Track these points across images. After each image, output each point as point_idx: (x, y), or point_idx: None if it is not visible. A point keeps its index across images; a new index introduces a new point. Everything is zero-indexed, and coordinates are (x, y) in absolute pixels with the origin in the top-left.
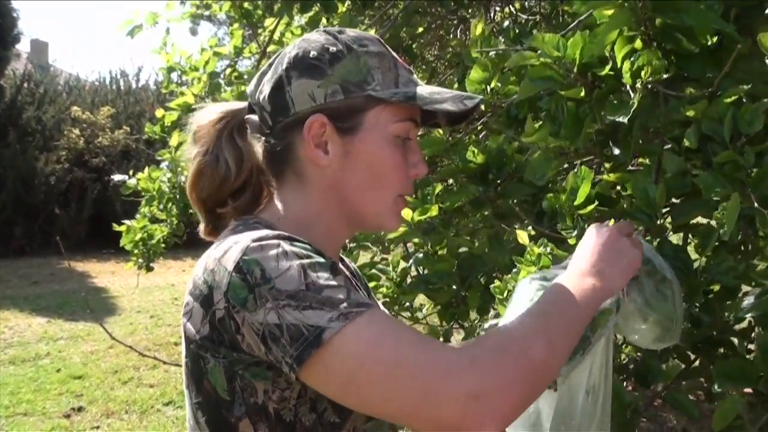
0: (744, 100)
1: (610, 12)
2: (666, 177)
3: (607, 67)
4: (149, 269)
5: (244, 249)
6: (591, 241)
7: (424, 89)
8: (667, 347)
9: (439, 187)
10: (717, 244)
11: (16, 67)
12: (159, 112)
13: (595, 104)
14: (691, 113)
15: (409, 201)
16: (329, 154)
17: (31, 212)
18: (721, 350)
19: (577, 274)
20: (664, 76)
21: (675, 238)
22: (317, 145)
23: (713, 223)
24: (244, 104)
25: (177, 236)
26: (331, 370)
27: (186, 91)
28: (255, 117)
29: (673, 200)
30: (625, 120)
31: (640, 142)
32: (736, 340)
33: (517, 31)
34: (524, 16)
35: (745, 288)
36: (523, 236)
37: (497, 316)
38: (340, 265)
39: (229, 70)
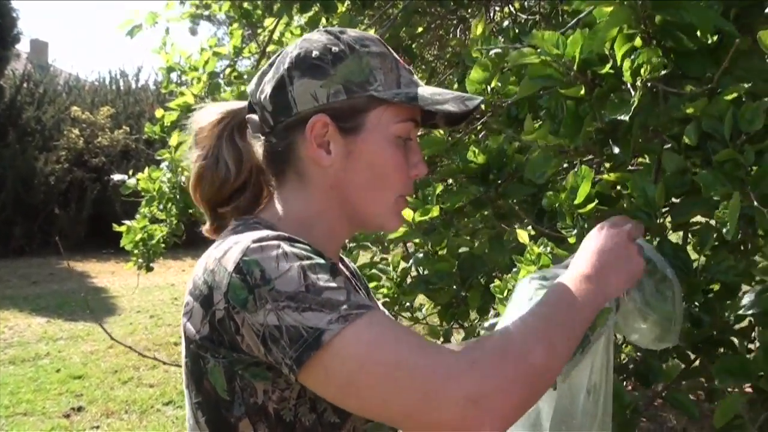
0: (744, 99)
1: (609, 10)
2: (665, 175)
3: (608, 66)
4: (149, 269)
5: (244, 250)
6: (598, 243)
7: (425, 90)
8: (667, 347)
9: (439, 188)
10: (716, 243)
11: (16, 67)
12: (159, 112)
13: (595, 103)
14: (690, 111)
15: (410, 201)
16: (331, 154)
17: (31, 212)
18: (721, 350)
19: (580, 276)
20: (663, 72)
21: (674, 237)
22: (319, 145)
23: (712, 222)
24: (244, 104)
25: (176, 236)
26: (330, 372)
27: (186, 91)
28: (255, 117)
29: (673, 199)
30: (626, 118)
31: (640, 141)
32: (736, 340)
33: (516, 31)
34: (524, 16)
35: (745, 287)
36: (522, 235)
37: (497, 315)
38: (340, 265)
39: (228, 70)
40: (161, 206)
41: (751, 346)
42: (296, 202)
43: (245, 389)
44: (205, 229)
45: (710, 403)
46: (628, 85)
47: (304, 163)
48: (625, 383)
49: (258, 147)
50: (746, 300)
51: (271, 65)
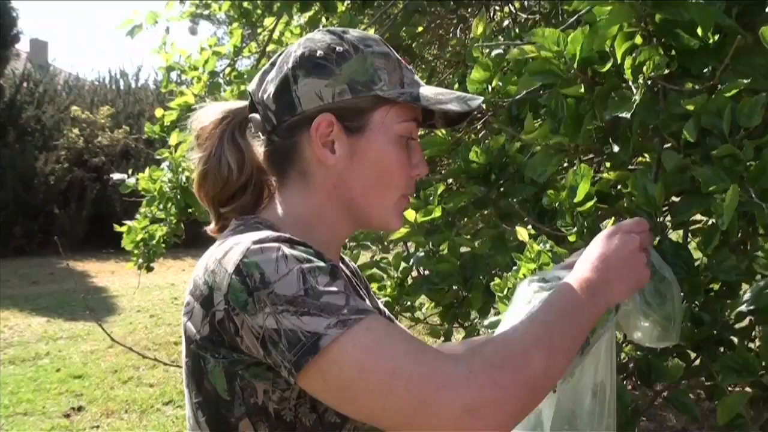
0: (743, 94)
1: (608, 8)
2: (665, 173)
3: (608, 64)
4: (149, 269)
5: (245, 251)
6: (608, 249)
7: (428, 90)
8: (667, 346)
9: (441, 188)
10: (718, 242)
11: (16, 66)
12: (158, 112)
13: (596, 101)
14: (690, 107)
15: (412, 202)
16: (336, 154)
17: (31, 212)
18: (722, 349)
19: (583, 282)
20: (666, 71)
21: (675, 236)
22: (324, 144)
23: (713, 220)
24: (245, 103)
25: (176, 236)
26: (328, 377)
27: (186, 91)
28: (258, 116)
29: (673, 198)
30: (628, 115)
31: (640, 139)
32: (736, 339)
33: (516, 30)
34: (524, 15)
35: (745, 287)
36: (522, 233)
37: (498, 314)
38: (341, 265)
39: (228, 70)
40: (161, 206)
41: (751, 345)
42: (298, 202)
43: (245, 389)
44: (210, 228)
45: (711, 401)
46: (629, 83)
47: (307, 163)
48: (625, 382)
49: (258, 146)
50: (746, 297)
51: (273, 65)
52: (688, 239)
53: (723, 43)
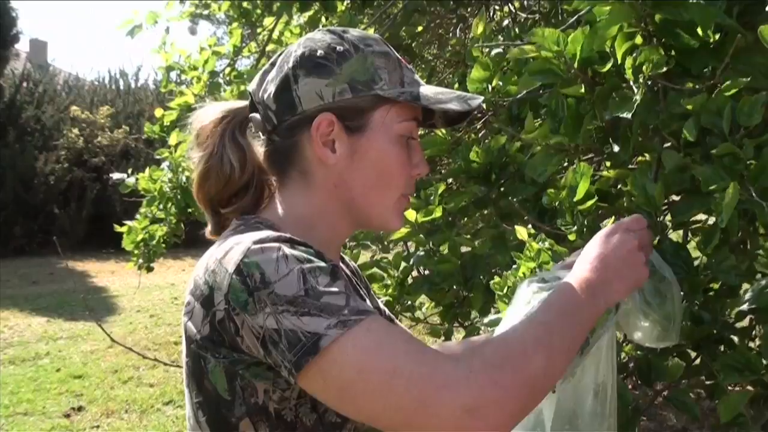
0: (743, 93)
1: (608, 8)
2: (664, 172)
3: (609, 64)
4: (149, 269)
5: (245, 251)
6: (606, 249)
7: (428, 89)
8: (667, 346)
9: (442, 187)
10: (717, 242)
11: (15, 66)
12: (158, 112)
13: (596, 101)
14: (690, 106)
15: (412, 201)
16: (336, 153)
17: (31, 212)
18: (722, 348)
19: (583, 282)
20: (665, 69)
21: (675, 236)
22: (325, 144)
23: (713, 219)
24: (245, 103)
25: (176, 236)
26: (328, 377)
27: (186, 91)
28: (258, 116)
29: (673, 197)
30: (629, 115)
31: (640, 139)
32: (736, 339)
33: (516, 30)
34: (524, 15)
35: (746, 286)
36: (521, 232)
37: (498, 312)
38: (341, 264)
39: (228, 70)
40: (161, 206)
41: (751, 344)
42: (299, 202)
43: (246, 389)
44: (208, 231)
45: (711, 400)
46: (630, 83)
47: (308, 162)
48: (625, 381)
49: (259, 146)
50: (747, 297)
51: (273, 64)
52: (688, 239)
53: (723, 43)
